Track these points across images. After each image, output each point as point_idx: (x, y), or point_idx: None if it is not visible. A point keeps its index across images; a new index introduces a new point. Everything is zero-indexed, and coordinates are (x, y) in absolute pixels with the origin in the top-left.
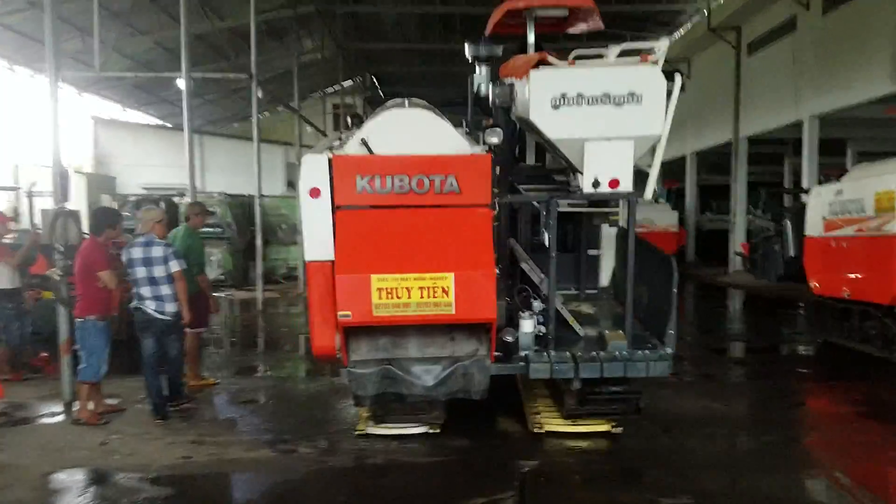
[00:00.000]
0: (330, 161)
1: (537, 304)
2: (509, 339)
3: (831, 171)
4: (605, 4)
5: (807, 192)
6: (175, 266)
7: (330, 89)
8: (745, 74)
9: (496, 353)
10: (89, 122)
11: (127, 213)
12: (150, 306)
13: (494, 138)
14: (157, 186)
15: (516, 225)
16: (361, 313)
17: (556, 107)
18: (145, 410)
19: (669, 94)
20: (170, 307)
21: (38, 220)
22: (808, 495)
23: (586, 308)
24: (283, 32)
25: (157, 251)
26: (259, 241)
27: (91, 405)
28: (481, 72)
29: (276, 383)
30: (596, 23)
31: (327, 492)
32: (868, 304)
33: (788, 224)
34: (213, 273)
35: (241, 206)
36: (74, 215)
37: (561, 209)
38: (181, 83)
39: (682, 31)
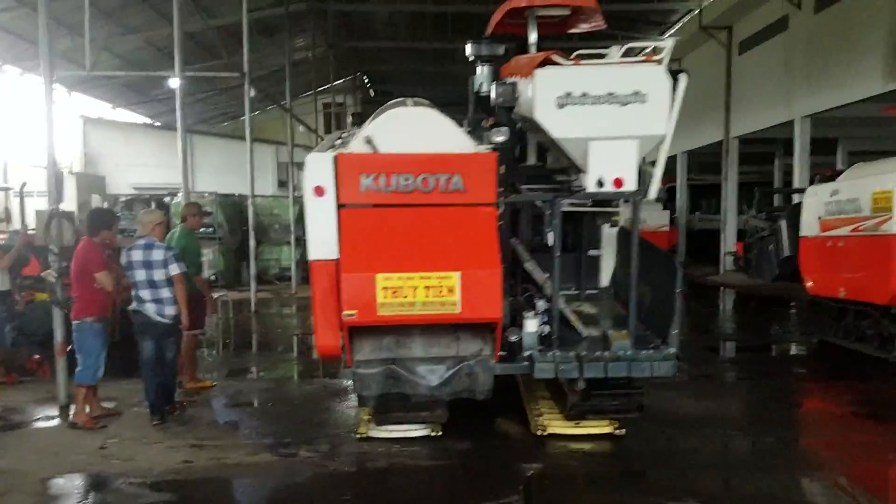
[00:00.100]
0: (334, 159)
1: (541, 304)
2: (514, 338)
3: (822, 170)
4: None
5: (803, 191)
6: (175, 270)
7: (321, 88)
8: (736, 74)
9: (500, 353)
10: (78, 121)
11: (118, 214)
12: (150, 309)
13: (500, 137)
14: (148, 186)
15: (517, 225)
16: (366, 312)
17: (560, 106)
18: (142, 414)
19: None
20: (169, 310)
21: (29, 220)
22: (810, 497)
23: (587, 308)
24: (275, 30)
25: (158, 254)
26: (252, 242)
27: (87, 408)
28: (483, 71)
29: (273, 385)
30: (598, 22)
31: (330, 496)
32: (865, 303)
33: (783, 224)
34: (204, 273)
35: (233, 206)
36: (69, 216)
37: (563, 209)
38: (174, 82)
39: (673, 30)
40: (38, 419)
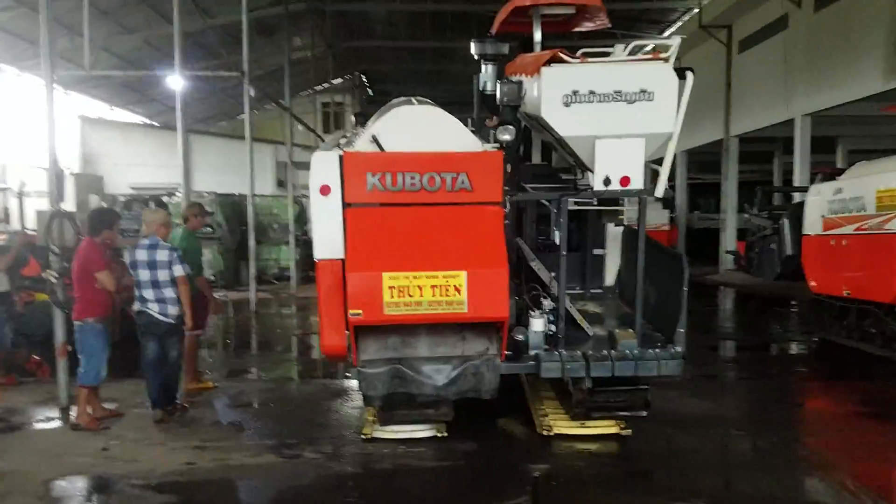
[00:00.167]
0: (340, 158)
1: (547, 303)
2: (520, 337)
3: (822, 168)
4: None
5: (805, 190)
6: (179, 271)
7: (319, 87)
8: (735, 73)
9: (506, 353)
10: (76, 121)
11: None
12: (153, 309)
13: (507, 135)
14: (146, 186)
15: (522, 224)
16: (373, 312)
17: (567, 104)
18: (144, 415)
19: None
20: (173, 310)
21: (28, 221)
22: (815, 497)
23: (592, 307)
24: (273, 30)
25: (163, 255)
26: (252, 241)
27: (90, 409)
28: (487, 70)
29: (274, 386)
30: (602, 21)
31: (336, 498)
32: (868, 302)
33: (786, 222)
34: (204, 273)
35: (232, 206)
36: (70, 216)
37: (568, 208)
38: (173, 81)
39: (672, 29)
40: (39, 420)
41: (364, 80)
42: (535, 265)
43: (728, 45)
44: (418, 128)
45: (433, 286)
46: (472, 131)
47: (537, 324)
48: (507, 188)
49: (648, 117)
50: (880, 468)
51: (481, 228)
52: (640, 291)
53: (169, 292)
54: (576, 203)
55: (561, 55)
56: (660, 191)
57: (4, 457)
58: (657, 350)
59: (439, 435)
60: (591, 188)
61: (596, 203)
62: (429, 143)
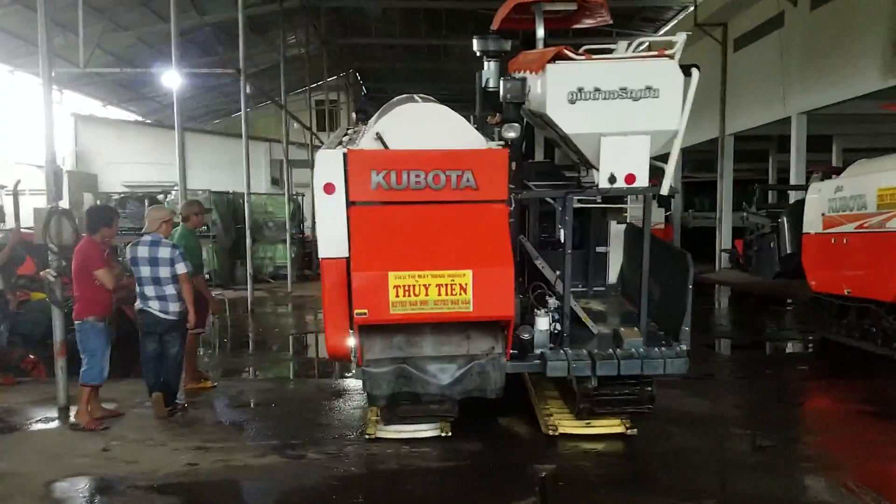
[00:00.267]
0: (345, 156)
1: (552, 302)
2: (526, 336)
3: (817, 167)
4: None
5: (802, 188)
6: (182, 269)
7: (314, 85)
8: (731, 71)
9: (511, 351)
10: (70, 119)
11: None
12: (153, 307)
13: (512, 133)
14: (140, 184)
15: (526, 222)
16: (378, 311)
17: (572, 101)
18: (144, 415)
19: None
20: (173, 307)
21: (25, 219)
22: (817, 496)
23: (595, 305)
24: (268, 27)
25: (165, 252)
26: (248, 240)
27: (90, 409)
28: (489, 66)
29: (274, 385)
30: (604, 17)
31: (341, 499)
32: (869, 301)
33: (785, 221)
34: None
35: (226, 204)
36: (69, 214)
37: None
38: (170, 79)
39: (668, 26)
40: (38, 421)
41: (358, 77)
42: (540, 263)
43: (723, 43)
44: (422, 125)
45: (439, 285)
46: (476, 128)
47: (542, 322)
48: (512, 186)
49: (654, 114)
50: (881, 467)
51: (487, 227)
52: (645, 289)
53: (170, 289)
54: (579, 200)
55: (566, 52)
56: (665, 188)
57: (4, 458)
58: (663, 348)
59: (443, 435)
60: (597, 186)
61: (600, 200)
62: (433, 140)
